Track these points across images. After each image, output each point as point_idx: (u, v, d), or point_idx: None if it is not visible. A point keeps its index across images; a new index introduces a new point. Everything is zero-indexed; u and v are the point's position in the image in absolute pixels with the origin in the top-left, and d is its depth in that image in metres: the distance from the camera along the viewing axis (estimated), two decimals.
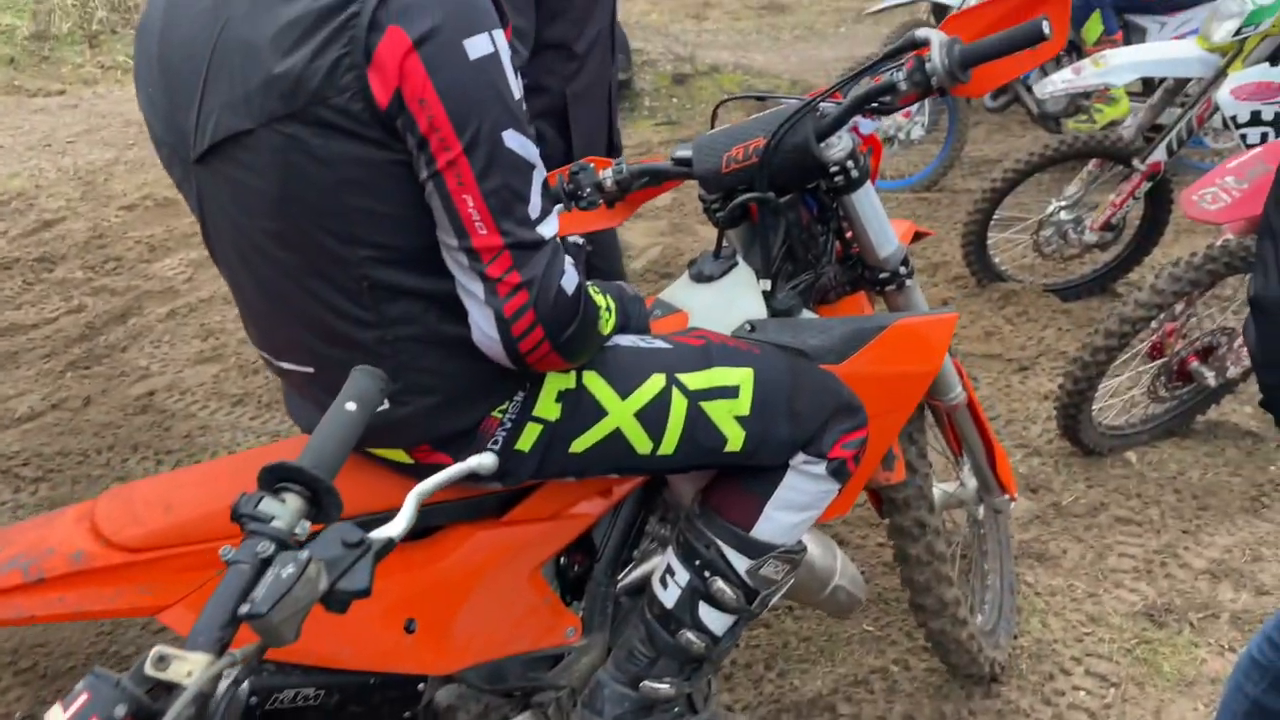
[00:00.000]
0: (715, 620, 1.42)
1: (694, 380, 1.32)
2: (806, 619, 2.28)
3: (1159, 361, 2.77)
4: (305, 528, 0.83)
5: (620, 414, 1.28)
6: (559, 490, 1.41)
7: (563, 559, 1.55)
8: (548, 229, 1.10)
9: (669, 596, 1.43)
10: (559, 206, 1.62)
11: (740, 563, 1.41)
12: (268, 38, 1.01)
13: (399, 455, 1.26)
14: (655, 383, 1.30)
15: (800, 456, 1.39)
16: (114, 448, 3.13)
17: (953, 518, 2.33)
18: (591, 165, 1.65)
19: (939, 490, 2.06)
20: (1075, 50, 4.78)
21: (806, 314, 1.61)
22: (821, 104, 1.53)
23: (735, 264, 1.61)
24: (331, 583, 0.79)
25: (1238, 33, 3.07)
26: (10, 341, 3.81)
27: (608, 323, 1.27)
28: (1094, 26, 4.57)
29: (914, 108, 4.69)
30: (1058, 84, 3.34)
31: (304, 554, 0.78)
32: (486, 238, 1.06)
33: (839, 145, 1.51)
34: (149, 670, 0.74)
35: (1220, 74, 3.16)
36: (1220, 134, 4.34)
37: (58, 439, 3.16)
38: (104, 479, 2.98)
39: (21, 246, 4.65)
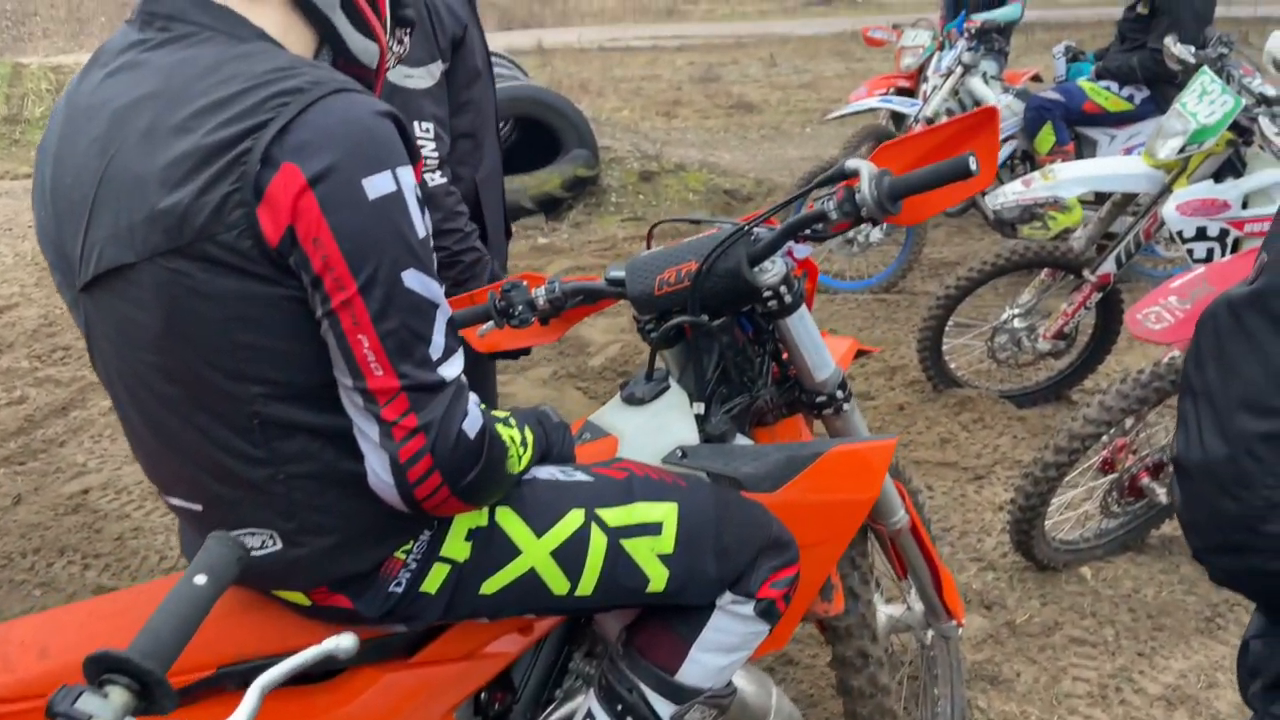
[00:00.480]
0: None
1: (615, 516, 1.27)
2: None
3: (1111, 477, 2.75)
4: None
5: (535, 553, 1.22)
6: (473, 628, 1.34)
7: (483, 695, 1.46)
8: (450, 370, 1.06)
9: None
10: (498, 324, 1.60)
11: (664, 708, 1.33)
12: (156, 171, 0.98)
13: (297, 597, 1.18)
14: (573, 519, 1.24)
15: (727, 596, 1.33)
16: (40, 551, 3.00)
17: (901, 641, 2.26)
18: (524, 283, 1.62)
19: (885, 614, 2.00)
20: (1028, 160, 4.90)
21: (741, 439, 1.58)
22: (755, 229, 1.52)
23: (668, 386, 1.57)
24: None
25: (1181, 150, 3.13)
26: None
27: (521, 460, 1.22)
28: (1046, 137, 4.69)
29: None
30: (1008, 195, 3.40)
31: None
32: (382, 379, 1.01)
33: (772, 270, 1.50)
34: None
35: (1166, 190, 3.23)
36: (1171, 243, 4.43)
37: None
38: (26, 584, 2.85)
39: None
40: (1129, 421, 2.68)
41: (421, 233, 1.03)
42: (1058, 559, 2.76)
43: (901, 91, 5.94)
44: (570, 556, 1.24)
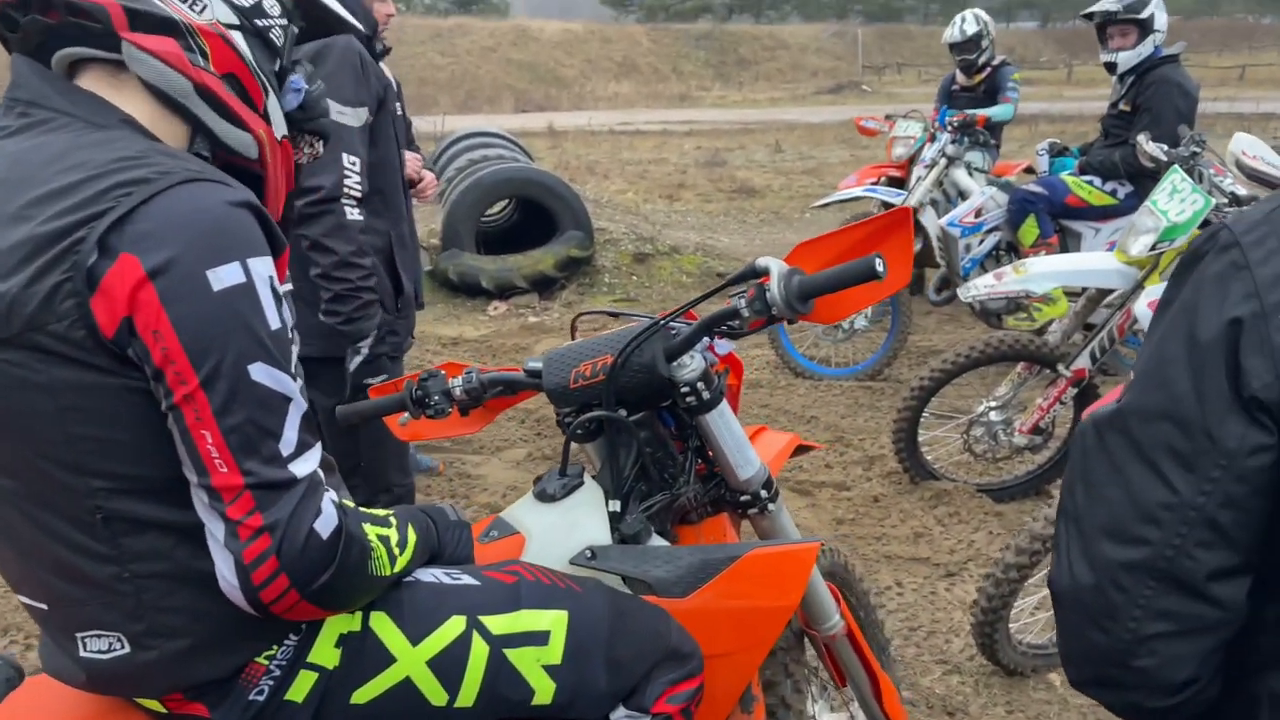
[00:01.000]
0: None
1: (499, 624, 1.21)
2: None
3: None
4: None
5: (411, 661, 1.16)
6: None
7: None
8: (302, 466, 1.02)
9: None
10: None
11: None
12: None
13: (153, 704, 1.12)
14: (454, 626, 1.19)
15: (620, 711, 1.27)
16: None
17: None
18: (442, 373, 1.60)
19: None
20: (1014, 251, 4.89)
21: (657, 540, 1.52)
22: (674, 323, 1.50)
23: (581, 483, 1.53)
24: None
25: (1153, 247, 3.12)
26: None
27: (396, 561, 1.16)
28: (1030, 230, 4.69)
29: None
30: (979, 289, 3.38)
31: None
32: (226, 476, 0.98)
33: (690, 365, 1.47)
34: None
35: (1138, 286, 3.20)
36: None
37: None
38: None
39: None
40: None
41: (274, 325, 1.00)
42: (1025, 664, 2.65)
43: (893, 181, 5.99)
44: (449, 666, 1.18)
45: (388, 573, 1.15)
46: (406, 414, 1.60)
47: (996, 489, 3.68)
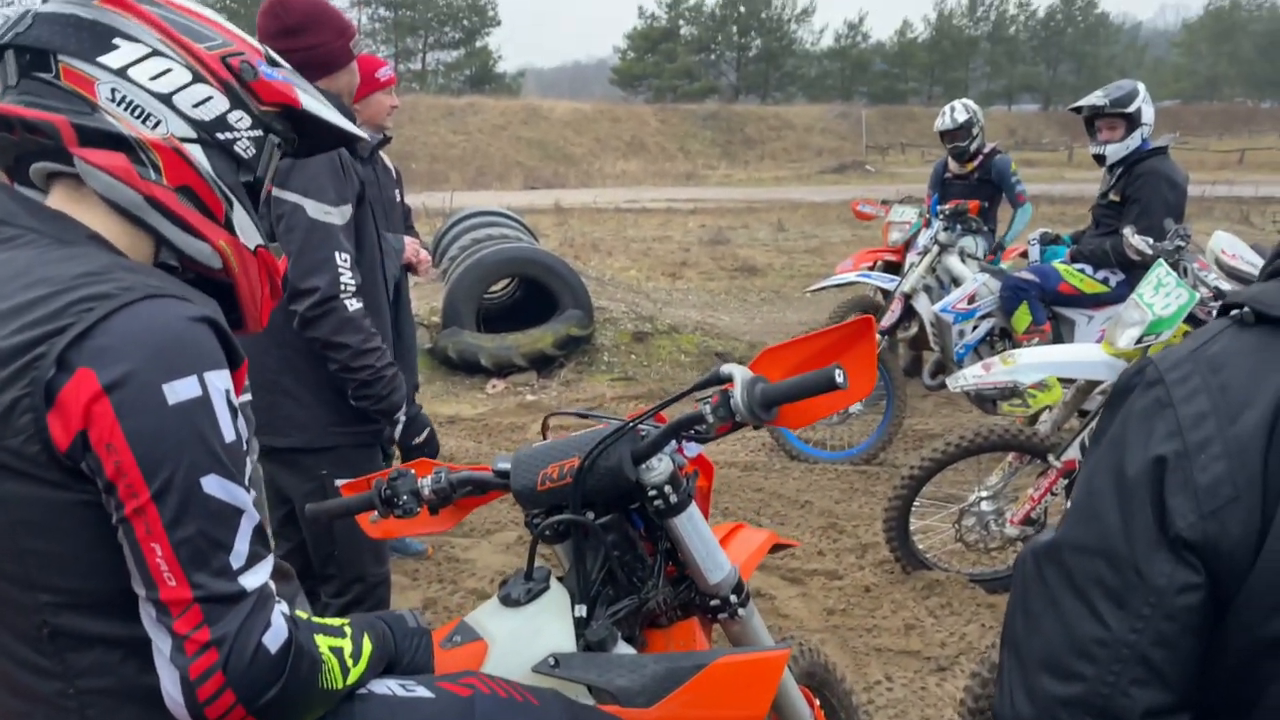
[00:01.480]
0: None
1: None
2: None
3: None
4: None
5: None
6: None
7: None
8: (253, 579, 1.02)
9: None
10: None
11: None
12: None
13: None
14: None
15: None
16: None
17: None
18: (412, 472, 1.60)
19: None
20: (1007, 337, 4.91)
21: (623, 646, 1.50)
22: (642, 425, 1.50)
23: (546, 587, 1.52)
24: None
25: (1139, 340, 3.13)
26: None
27: (348, 674, 1.15)
28: (1023, 316, 4.71)
29: None
30: (967, 379, 3.39)
31: None
32: (175, 590, 0.98)
33: (658, 468, 1.47)
34: None
35: None
36: None
37: None
38: None
39: None
40: None
41: (229, 437, 1.01)
42: None
43: (890, 265, 6.06)
44: None
45: (340, 686, 1.14)
46: (376, 512, 1.60)
47: (990, 579, 3.64)
